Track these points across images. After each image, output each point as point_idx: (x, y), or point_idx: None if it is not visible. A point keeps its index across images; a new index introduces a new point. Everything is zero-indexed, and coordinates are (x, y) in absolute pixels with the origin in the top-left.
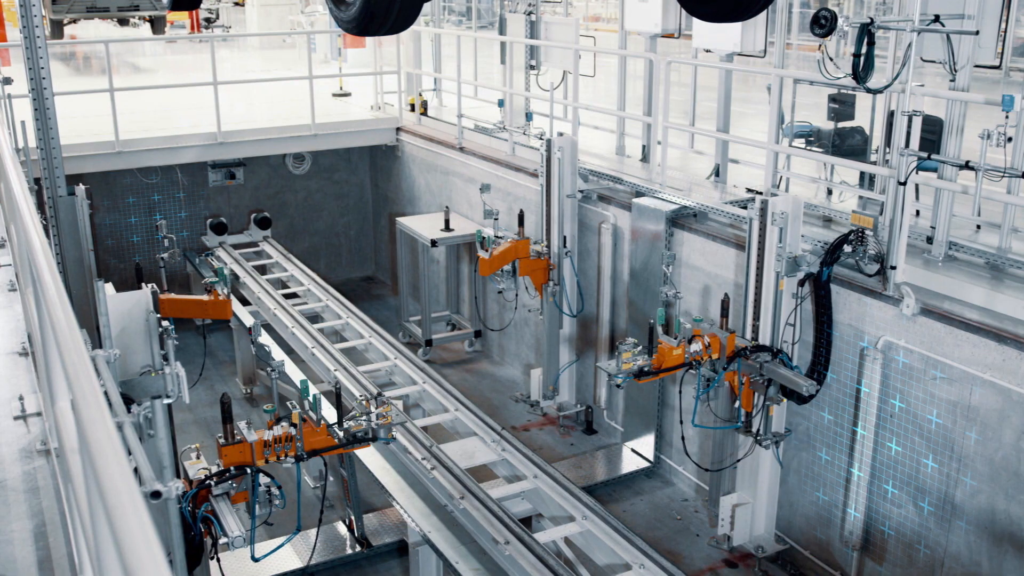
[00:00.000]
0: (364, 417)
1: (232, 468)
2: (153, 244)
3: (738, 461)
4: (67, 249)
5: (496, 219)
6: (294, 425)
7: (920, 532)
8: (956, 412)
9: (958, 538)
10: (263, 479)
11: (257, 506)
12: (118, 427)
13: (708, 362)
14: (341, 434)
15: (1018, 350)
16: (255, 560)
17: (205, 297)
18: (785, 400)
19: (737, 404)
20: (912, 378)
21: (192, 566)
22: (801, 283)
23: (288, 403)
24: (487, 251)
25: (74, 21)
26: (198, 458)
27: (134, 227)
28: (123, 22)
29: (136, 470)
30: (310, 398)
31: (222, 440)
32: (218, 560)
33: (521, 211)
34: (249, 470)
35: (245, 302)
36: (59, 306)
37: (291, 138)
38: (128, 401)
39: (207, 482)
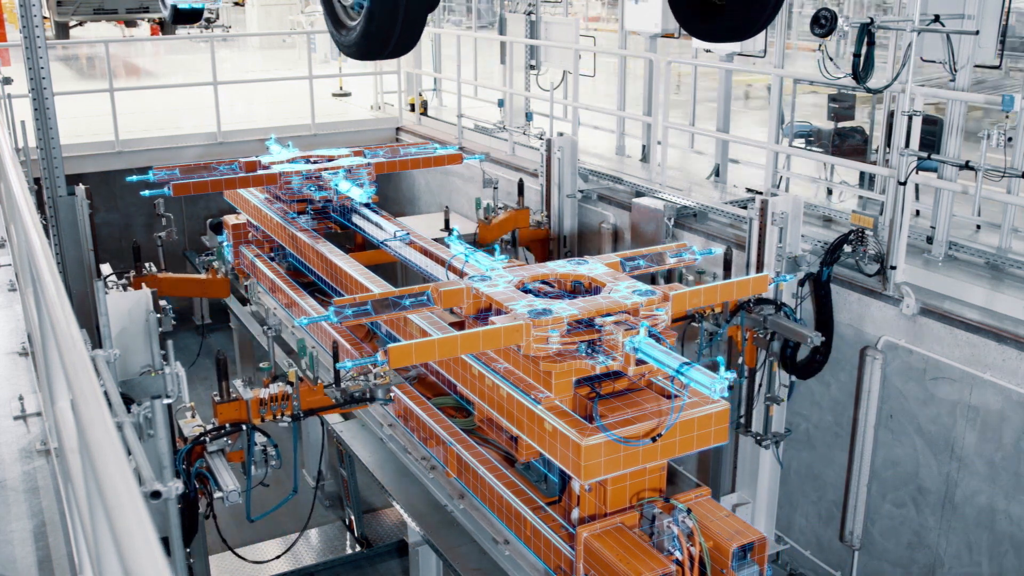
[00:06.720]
0: (362, 377)
1: (227, 425)
2: (153, 244)
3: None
4: (67, 249)
5: (496, 188)
6: (291, 384)
7: (920, 532)
8: (956, 412)
9: (958, 538)
10: (259, 438)
11: (253, 466)
12: (118, 427)
13: (711, 315)
14: (338, 394)
15: (1018, 350)
16: (251, 520)
17: (203, 275)
18: (785, 400)
19: (741, 361)
20: (912, 378)
21: (189, 536)
22: (801, 283)
23: (287, 362)
24: (487, 220)
25: (80, 23)
26: (193, 416)
27: (134, 227)
28: (129, 24)
29: (136, 470)
30: (307, 358)
31: (217, 397)
32: (214, 517)
33: (521, 180)
34: (245, 427)
35: (245, 302)
36: (59, 306)
37: (291, 138)
38: (128, 401)
39: (202, 438)
